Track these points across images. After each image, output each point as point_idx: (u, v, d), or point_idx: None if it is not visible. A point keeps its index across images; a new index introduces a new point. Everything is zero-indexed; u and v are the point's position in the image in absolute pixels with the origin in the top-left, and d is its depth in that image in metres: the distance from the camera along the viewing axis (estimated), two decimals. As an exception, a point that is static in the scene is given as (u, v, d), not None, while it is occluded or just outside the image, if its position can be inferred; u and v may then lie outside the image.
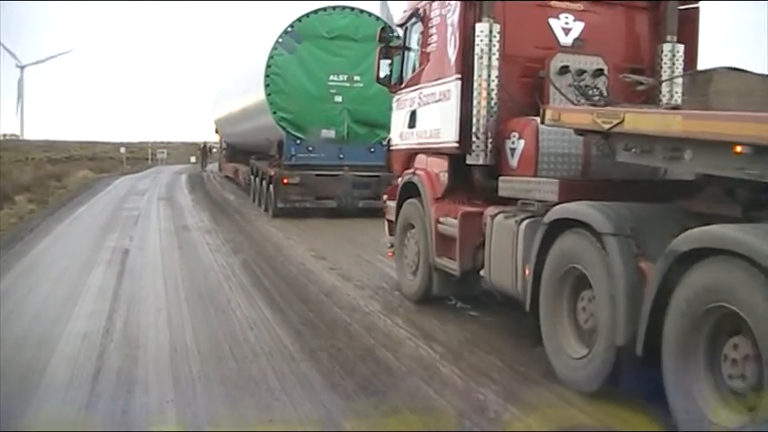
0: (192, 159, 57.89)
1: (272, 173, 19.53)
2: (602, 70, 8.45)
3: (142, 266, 12.04)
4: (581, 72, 8.38)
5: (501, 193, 7.76)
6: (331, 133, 19.54)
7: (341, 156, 19.39)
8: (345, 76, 19.53)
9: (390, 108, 19.00)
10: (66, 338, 7.72)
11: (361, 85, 19.47)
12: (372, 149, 19.57)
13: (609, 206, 5.98)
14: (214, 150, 50.30)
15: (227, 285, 10.44)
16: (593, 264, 5.93)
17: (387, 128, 19.44)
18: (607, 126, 5.87)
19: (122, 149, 60.92)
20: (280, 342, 7.58)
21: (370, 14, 20.06)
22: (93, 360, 6.99)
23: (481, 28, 8.19)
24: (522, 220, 7.04)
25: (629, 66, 8.72)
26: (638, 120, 5.62)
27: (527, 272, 6.82)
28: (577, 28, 8.70)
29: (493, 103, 8.19)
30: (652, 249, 5.51)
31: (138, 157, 63.22)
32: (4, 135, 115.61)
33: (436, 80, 8.97)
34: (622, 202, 6.11)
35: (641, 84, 7.90)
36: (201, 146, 53.26)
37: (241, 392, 6.12)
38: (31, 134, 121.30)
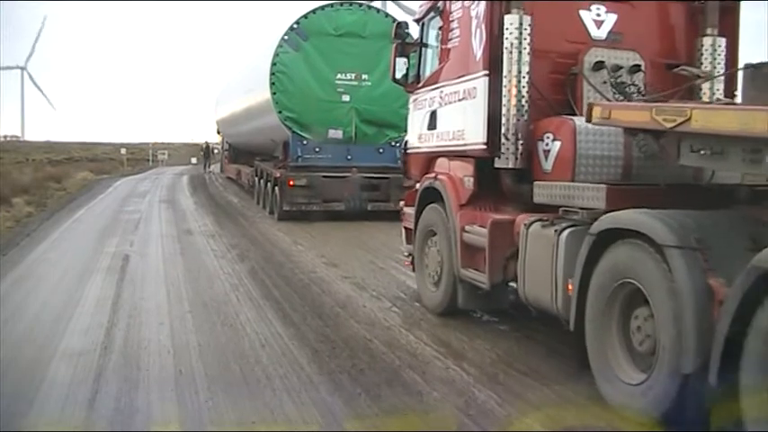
0: (194, 160, 57.28)
1: (278, 174, 18.88)
2: (639, 66, 7.86)
3: (143, 274, 11.39)
4: (617, 68, 7.78)
5: (536, 199, 7.11)
6: (338, 133, 18.91)
7: (349, 157, 18.79)
8: (353, 75, 18.91)
9: (405, 108, 18.82)
10: (60, 358, 7.08)
11: (369, 83, 18.92)
12: (381, 150, 19.09)
13: (669, 214, 5.33)
14: (216, 151, 49.45)
15: (234, 296, 9.79)
16: (652, 279, 5.27)
17: (396, 128, 19.20)
18: (670, 124, 5.20)
19: (123, 150, 60.30)
20: (295, 362, 6.92)
21: (378, 11, 19.49)
22: (89, 383, 6.34)
23: (510, 20, 7.56)
24: (563, 229, 6.39)
25: (666, 61, 8.17)
26: (710, 117, 4.94)
27: (570, 287, 6.18)
28: (610, 20, 8.12)
29: (524, 101, 7.57)
30: (722, 264, 4.88)
31: (138, 158, 62.61)
32: (5, 136, 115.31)
33: (460, 77, 8.33)
34: (679, 209, 5.47)
35: (698, 77, 7.28)
36: (204, 146, 51.60)
37: (256, 423, 5.48)
38: (31, 135, 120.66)
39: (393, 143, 19.20)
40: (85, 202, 25.06)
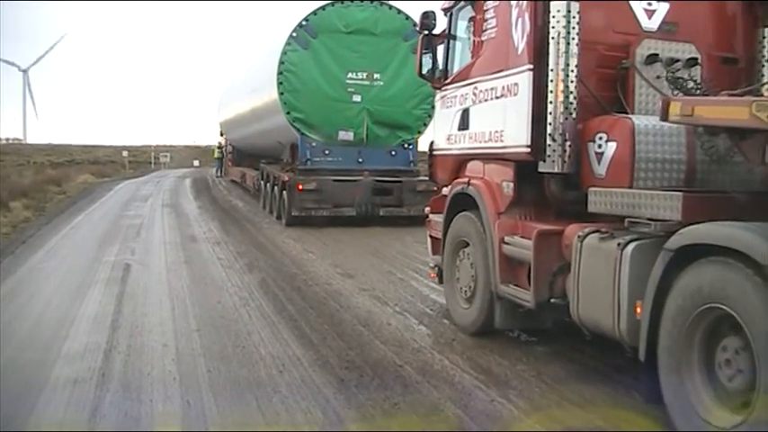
0: (196, 163, 56.62)
1: (286, 178, 18.07)
2: (695, 59, 7.05)
3: (145, 287, 10.56)
4: (672, 61, 6.96)
5: (592, 208, 6.27)
6: (349, 135, 18.13)
7: (360, 160, 18.02)
8: (364, 74, 18.13)
9: (419, 108, 18.15)
10: (53, 387, 6.27)
11: (381, 83, 18.20)
12: (394, 153, 18.40)
13: (765, 228, 4.51)
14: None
15: (244, 312, 8.95)
16: (750, 305, 4.44)
17: (409, 129, 18.45)
18: (777, 122, 4.38)
19: (124, 153, 59.44)
20: (319, 393, 6.10)
21: (390, 7, 18.62)
22: (84, 420, 5.54)
23: (557, 7, 6.74)
24: (627, 242, 5.56)
25: (723, 54, 7.42)
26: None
27: (638, 309, 5.35)
28: (662, 10, 7.33)
29: (572, 98, 6.74)
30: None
31: (140, 160, 61.80)
32: (7, 139, 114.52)
33: (497, 72, 7.51)
34: (760, 221, 4.68)
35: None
36: (218, 146, 43.24)
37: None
38: (33, 138, 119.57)
39: (406, 145, 18.53)
40: (86, 206, 24.23)
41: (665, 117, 5.44)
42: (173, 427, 5.47)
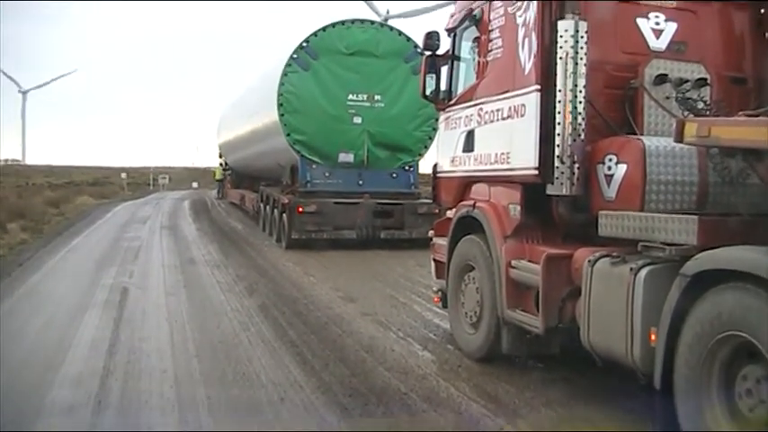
0: (195, 185, 56.44)
1: (286, 200, 17.89)
2: (705, 79, 6.93)
3: (143, 311, 10.35)
4: (681, 81, 6.82)
5: (603, 231, 6.11)
6: (349, 157, 17.97)
7: (360, 182, 17.88)
8: (365, 95, 18.00)
9: (420, 130, 18.03)
10: (49, 413, 6.10)
11: (382, 104, 18.07)
12: (395, 175, 18.29)
13: (787, 253, 4.36)
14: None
15: (245, 337, 8.76)
16: (772, 334, 4.28)
17: (410, 151, 18.31)
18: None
19: (123, 175, 59.31)
20: (322, 421, 5.94)
21: (391, 28, 18.62)
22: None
23: (565, 26, 6.61)
24: (641, 267, 5.40)
25: (732, 74, 7.32)
26: None
27: (653, 336, 5.18)
28: (670, 29, 7.25)
29: (580, 118, 6.60)
30: None
31: (139, 182, 61.68)
32: (6, 160, 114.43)
33: (504, 93, 7.38)
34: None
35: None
36: (222, 166, 39.94)
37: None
38: (32, 159, 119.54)
39: (407, 167, 18.40)
40: (84, 228, 24.02)
41: (679, 138, 5.30)
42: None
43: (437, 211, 12.07)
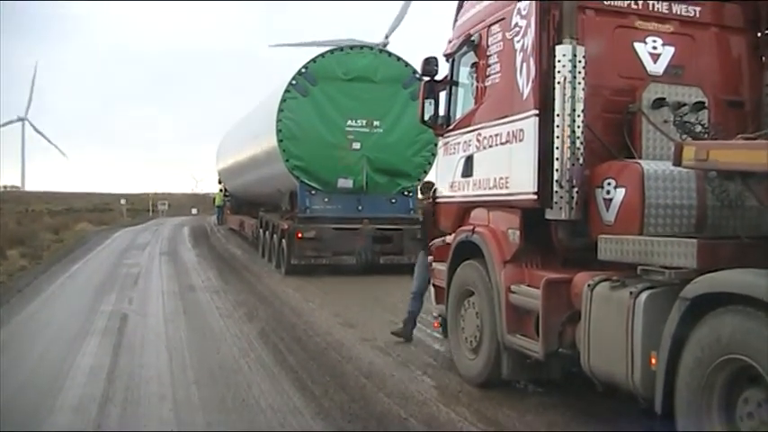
0: (194, 211, 56.41)
1: (285, 226, 17.89)
2: (702, 103, 6.94)
3: (143, 337, 10.33)
4: (679, 105, 6.85)
5: (602, 255, 6.10)
6: (349, 183, 17.97)
7: (360, 207, 17.89)
8: (364, 121, 18.01)
9: (419, 156, 18.04)
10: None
11: (380, 130, 18.08)
12: (394, 200, 18.29)
13: (786, 277, 4.36)
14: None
15: (244, 363, 8.74)
16: (773, 358, 4.27)
17: (409, 177, 18.32)
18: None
19: (122, 201, 59.31)
20: (322, 450, 5.89)
21: (390, 54, 18.68)
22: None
23: (563, 51, 6.65)
24: (640, 291, 5.40)
25: (729, 97, 7.35)
26: None
27: (653, 360, 5.17)
28: (667, 54, 7.29)
29: (578, 143, 6.62)
30: None
31: (138, 208, 61.66)
32: (5, 186, 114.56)
33: (502, 118, 7.40)
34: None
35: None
36: (222, 192, 38.20)
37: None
38: (31, 186, 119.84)
39: (406, 193, 18.40)
40: (83, 254, 24.02)
41: (678, 162, 5.32)
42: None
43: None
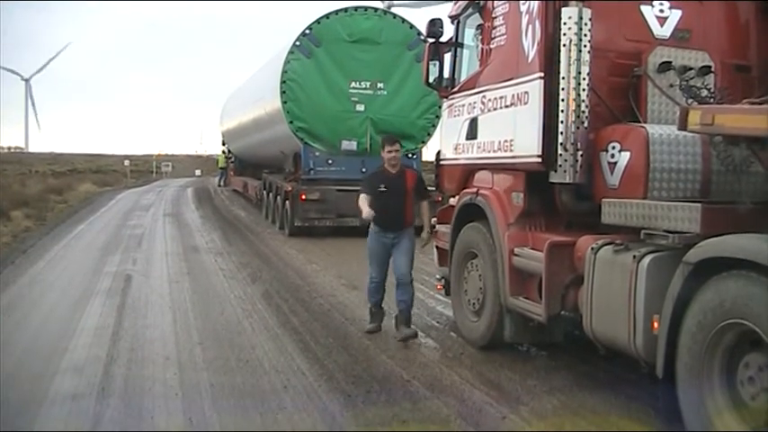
0: (198, 172, 56.36)
1: (289, 188, 17.90)
2: (709, 67, 6.88)
3: (146, 298, 10.38)
4: (685, 69, 6.80)
5: (606, 219, 6.10)
6: (352, 145, 17.94)
7: (363, 169, 17.70)
8: (368, 83, 17.93)
9: (423, 118, 17.96)
10: (52, 401, 6.11)
11: (384, 92, 17.99)
12: (397, 163, 18.01)
13: (791, 241, 4.35)
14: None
15: (248, 324, 8.79)
16: (775, 322, 4.28)
17: (413, 139, 18.23)
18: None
19: (126, 162, 59.16)
20: (325, 410, 5.94)
21: (395, 16, 18.51)
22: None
23: (569, 13, 6.56)
24: (643, 255, 5.40)
25: (736, 62, 7.26)
26: None
27: (655, 324, 5.18)
28: (674, 17, 7.20)
29: (583, 106, 6.57)
30: None
31: (142, 170, 61.59)
32: (9, 148, 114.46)
33: (507, 80, 7.34)
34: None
35: None
36: (224, 154, 39.00)
37: None
38: (35, 147, 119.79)
39: (410, 155, 18.29)
40: (87, 215, 24.07)
41: (683, 126, 5.28)
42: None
43: (440, 198, 12.05)
